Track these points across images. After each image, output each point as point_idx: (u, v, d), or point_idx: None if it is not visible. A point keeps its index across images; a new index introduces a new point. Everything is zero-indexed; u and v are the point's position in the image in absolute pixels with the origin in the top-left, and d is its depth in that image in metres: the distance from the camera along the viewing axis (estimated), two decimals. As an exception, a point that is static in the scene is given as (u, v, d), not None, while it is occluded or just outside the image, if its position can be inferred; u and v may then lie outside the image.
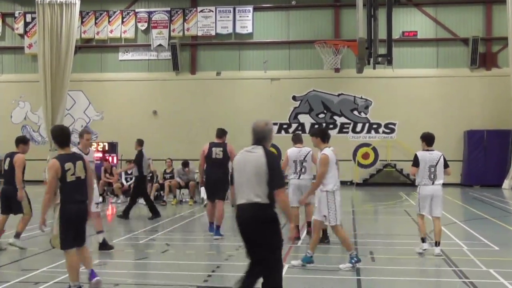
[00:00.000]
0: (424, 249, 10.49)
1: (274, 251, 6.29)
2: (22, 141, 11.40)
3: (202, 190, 19.52)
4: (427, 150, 10.54)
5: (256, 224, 6.23)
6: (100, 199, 20.26)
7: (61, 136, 7.60)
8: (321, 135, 9.73)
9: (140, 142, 16.54)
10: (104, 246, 10.75)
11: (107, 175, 21.13)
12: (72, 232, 7.41)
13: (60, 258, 9.98)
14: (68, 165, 7.38)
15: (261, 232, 6.21)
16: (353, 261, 9.17)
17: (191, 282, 8.40)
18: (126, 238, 12.31)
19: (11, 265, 9.77)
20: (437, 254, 10.24)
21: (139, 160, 15.99)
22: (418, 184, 10.58)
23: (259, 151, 6.37)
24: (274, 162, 6.35)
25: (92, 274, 7.70)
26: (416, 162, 10.46)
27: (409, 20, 29.20)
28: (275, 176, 6.26)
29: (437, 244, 10.36)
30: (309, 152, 12.13)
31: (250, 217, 6.26)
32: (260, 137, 6.48)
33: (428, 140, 10.61)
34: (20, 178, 10.91)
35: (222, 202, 12.62)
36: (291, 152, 12.22)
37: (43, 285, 8.19)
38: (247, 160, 6.39)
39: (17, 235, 11.15)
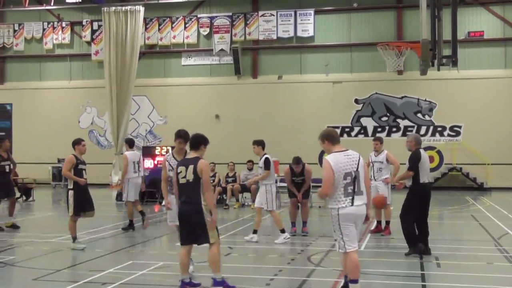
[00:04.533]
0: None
1: None
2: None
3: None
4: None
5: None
6: (164, 201, 20.66)
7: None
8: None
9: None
10: None
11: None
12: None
13: (125, 259, 10.19)
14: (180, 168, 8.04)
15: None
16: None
17: (254, 285, 8.42)
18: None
19: (79, 266, 10.04)
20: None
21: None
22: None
23: (425, 151, 10.93)
24: None
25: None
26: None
27: (475, 20, 28.46)
28: None
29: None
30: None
31: (430, 191, 10.81)
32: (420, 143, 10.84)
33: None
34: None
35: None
36: None
37: (110, 286, 8.36)
38: (426, 157, 10.79)
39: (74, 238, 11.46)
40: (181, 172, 7.94)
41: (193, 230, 7.93)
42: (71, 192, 11.45)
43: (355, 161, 7.34)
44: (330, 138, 7.53)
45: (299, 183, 13.70)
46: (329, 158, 7.36)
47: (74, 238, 11.45)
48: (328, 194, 7.26)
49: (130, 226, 14.08)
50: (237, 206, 20.03)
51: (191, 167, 7.88)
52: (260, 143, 12.64)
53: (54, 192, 27.65)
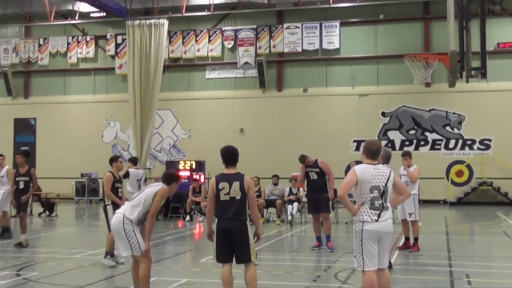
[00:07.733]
0: None
1: None
2: None
3: (289, 208, 19.28)
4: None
5: None
6: (188, 217, 20.48)
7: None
8: None
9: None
10: None
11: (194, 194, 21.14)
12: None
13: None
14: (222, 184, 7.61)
15: None
16: None
17: (279, 305, 8.10)
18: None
19: (102, 282, 9.84)
20: None
21: None
22: None
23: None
24: None
25: None
26: None
27: (505, 31, 27.89)
28: None
29: None
30: None
31: None
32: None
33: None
34: None
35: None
36: None
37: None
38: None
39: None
40: (223, 188, 7.58)
41: (236, 247, 7.56)
42: (109, 207, 11.15)
43: (384, 175, 7.08)
44: (366, 150, 7.28)
45: (315, 180, 13.43)
46: (356, 167, 7.17)
47: (107, 254, 11.20)
48: (344, 196, 7.01)
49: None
50: (261, 221, 19.67)
51: (236, 183, 7.58)
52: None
53: (77, 207, 27.61)
